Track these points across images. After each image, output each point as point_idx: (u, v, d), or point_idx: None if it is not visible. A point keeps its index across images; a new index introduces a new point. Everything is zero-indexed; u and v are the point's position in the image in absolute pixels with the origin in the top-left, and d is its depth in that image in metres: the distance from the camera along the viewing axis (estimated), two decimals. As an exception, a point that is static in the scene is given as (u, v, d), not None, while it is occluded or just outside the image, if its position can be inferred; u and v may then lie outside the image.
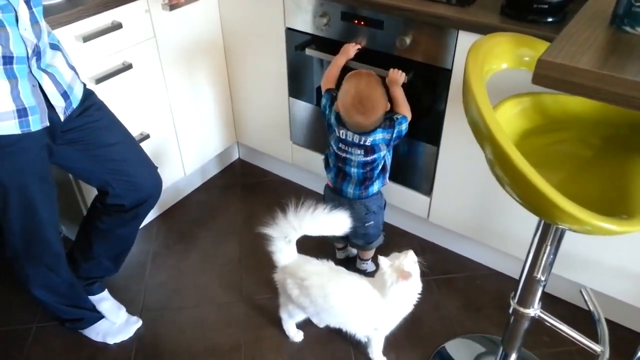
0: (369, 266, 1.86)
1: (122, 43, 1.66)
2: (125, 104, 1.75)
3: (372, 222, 1.71)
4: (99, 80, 1.61)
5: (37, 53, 1.15)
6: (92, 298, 1.67)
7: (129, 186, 1.44)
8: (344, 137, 1.57)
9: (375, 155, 1.57)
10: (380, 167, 1.62)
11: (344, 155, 1.60)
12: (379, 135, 1.54)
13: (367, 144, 1.55)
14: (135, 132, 1.82)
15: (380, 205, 1.71)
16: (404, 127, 1.56)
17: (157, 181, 1.52)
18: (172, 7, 1.73)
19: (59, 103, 1.22)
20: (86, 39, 1.53)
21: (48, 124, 1.20)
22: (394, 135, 1.55)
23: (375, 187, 1.64)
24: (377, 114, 1.50)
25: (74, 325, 1.64)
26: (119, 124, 1.44)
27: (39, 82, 1.17)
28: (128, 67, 1.69)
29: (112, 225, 1.52)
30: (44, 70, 1.19)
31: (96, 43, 1.57)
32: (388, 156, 1.63)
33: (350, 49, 1.65)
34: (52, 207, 1.34)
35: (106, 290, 1.71)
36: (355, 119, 1.51)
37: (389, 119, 1.55)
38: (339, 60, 1.65)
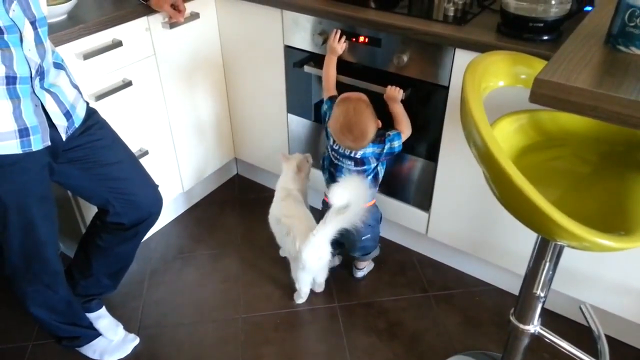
0: (364, 272, 1.91)
1: (122, 61, 1.67)
2: (125, 120, 1.75)
3: (369, 235, 1.74)
4: (99, 97, 1.62)
5: (41, 73, 1.16)
6: (90, 315, 1.66)
7: (130, 205, 1.44)
8: (336, 147, 1.62)
9: (365, 167, 1.61)
10: (371, 177, 1.64)
11: (336, 161, 1.65)
12: (369, 149, 1.58)
13: (357, 156, 1.59)
14: (134, 148, 1.82)
15: (376, 218, 1.74)
16: (397, 144, 1.58)
17: (158, 200, 1.53)
18: (173, 25, 1.75)
19: (61, 122, 1.22)
20: (87, 56, 1.55)
21: (49, 144, 1.21)
22: (385, 151, 1.58)
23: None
24: (367, 139, 1.54)
25: (70, 343, 1.63)
26: (121, 142, 1.44)
27: (41, 101, 1.18)
28: (128, 84, 1.70)
29: (112, 242, 1.52)
30: (47, 90, 1.19)
31: (97, 60, 1.59)
32: (381, 169, 1.66)
33: (336, 45, 1.62)
34: (51, 226, 1.34)
35: (104, 307, 1.70)
36: (345, 144, 1.57)
37: (381, 135, 1.58)
38: (330, 60, 1.65)
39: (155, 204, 1.51)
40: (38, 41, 1.14)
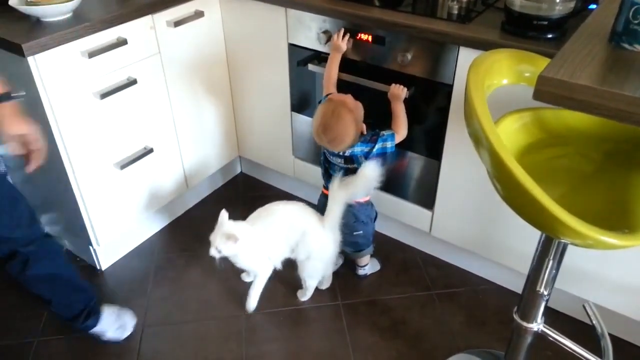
0: (367, 270, 1.90)
1: (127, 59, 1.68)
2: (129, 118, 1.76)
3: (360, 232, 1.73)
4: (104, 95, 1.63)
5: None
6: (95, 330, 1.65)
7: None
8: None
9: (355, 165, 1.60)
10: None
11: (329, 158, 1.66)
12: (358, 148, 1.58)
13: (346, 154, 1.59)
14: (139, 146, 1.83)
15: (369, 216, 1.73)
16: (390, 144, 1.57)
17: (30, 237, 1.42)
18: (177, 23, 1.70)
19: None
20: (92, 54, 1.55)
21: None
22: (375, 151, 1.57)
23: (357, 195, 1.66)
24: (342, 143, 1.53)
25: None
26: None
27: None
28: (133, 82, 1.71)
29: (13, 272, 1.45)
30: None
31: (102, 59, 1.60)
32: None
33: (341, 43, 1.62)
34: None
35: (103, 319, 1.66)
36: (322, 144, 1.57)
37: (375, 134, 1.57)
38: (333, 58, 1.65)
39: (23, 239, 1.41)
40: None
